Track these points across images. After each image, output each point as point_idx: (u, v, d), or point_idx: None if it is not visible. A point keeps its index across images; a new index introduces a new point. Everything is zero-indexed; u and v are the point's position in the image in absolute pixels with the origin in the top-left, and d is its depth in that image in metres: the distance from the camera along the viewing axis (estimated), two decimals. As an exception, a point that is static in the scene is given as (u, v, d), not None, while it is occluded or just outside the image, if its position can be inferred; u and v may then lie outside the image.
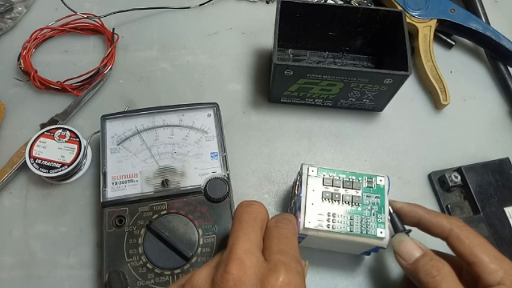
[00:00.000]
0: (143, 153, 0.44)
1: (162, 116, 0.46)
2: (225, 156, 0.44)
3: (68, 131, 0.45)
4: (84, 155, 0.46)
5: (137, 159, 0.43)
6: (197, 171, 0.43)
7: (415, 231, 0.38)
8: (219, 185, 0.42)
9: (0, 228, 0.44)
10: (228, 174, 0.43)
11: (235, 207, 0.42)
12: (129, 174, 0.43)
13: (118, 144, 0.44)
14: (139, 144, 0.44)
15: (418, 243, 0.36)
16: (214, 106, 0.46)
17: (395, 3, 0.54)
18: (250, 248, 0.29)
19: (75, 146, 0.45)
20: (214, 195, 0.42)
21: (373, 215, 0.37)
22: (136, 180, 0.42)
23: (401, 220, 0.38)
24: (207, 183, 0.42)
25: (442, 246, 0.37)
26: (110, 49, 0.52)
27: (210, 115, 0.46)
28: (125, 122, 0.45)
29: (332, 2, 0.57)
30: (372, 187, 0.38)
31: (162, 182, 0.42)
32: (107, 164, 0.43)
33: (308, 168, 0.38)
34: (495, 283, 0.32)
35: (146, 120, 0.45)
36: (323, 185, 0.38)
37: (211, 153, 0.44)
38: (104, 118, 0.45)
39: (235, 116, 0.51)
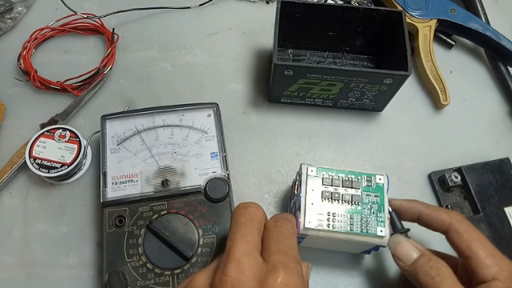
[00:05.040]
0: (143, 153, 0.44)
1: (162, 116, 0.46)
2: (225, 156, 0.44)
3: (68, 131, 0.45)
4: (84, 155, 0.46)
5: (137, 159, 0.43)
6: (197, 171, 0.43)
7: (414, 228, 0.38)
8: (219, 185, 0.42)
9: (0, 228, 0.44)
10: (228, 174, 0.43)
11: (234, 208, 0.42)
12: (129, 174, 0.43)
13: (118, 144, 0.44)
14: (139, 144, 0.44)
15: (415, 244, 0.35)
16: (214, 106, 0.46)
17: (395, 3, 0.54)
18: (248, 250, 0.29)
19: (75, 146, 0.45)
20: (214, 195, 0.42)
21: (373, 213, 0.37)
22: (136, 180, 0.42)
23: (400, 219, 0.38)
24: (207, 183, 0.42)
25: (440, 245, 0.38)
26: (110, 49, 0.52)
27: (210, 115, 0.46)
28: (125, 122, 0.45)
29: (332, 2, 0.57)
30: (371, 186, 0.38)
31: (162, 182, 0.42)
32: (107, 164, 0.43)
33: (307, 168, 0.38)
34: (489, 278, 0.32)
35: (146, 120, 0.45)
36: (322, 184, 0.38)
37: (211, 153, 0.44)
38: (104, 118, 0.45)
39: (235, 116, 0.51)
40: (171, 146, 0.44)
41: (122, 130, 0.45)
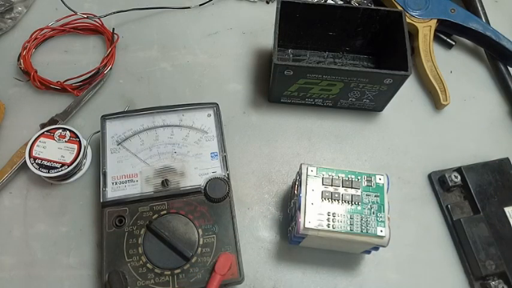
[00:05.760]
0: (143, 153, 0.44)
1: (162, 116, 0.46)
2: (225, 156, 0.44)
3: (68, 131, 0.45)
4: (84, 155, 0.46)
5: (137, 159, 0.43)
6: (197, 171, 0.43)
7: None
8: (219, 185, 0.42)
9: (0, 228, 0.44)
10: (228, 174, 0.43)
11: (235, 208, 0.42)
12: (129, 174, 0.43)
13: (118, 144, 0.44)
14: (139, 144, 0.44)
15: None
16: (214, 106, 0.46)
17: (395, 3, 0.54)
18: None
19: (75, 146, 0.45)
20: (214, 195, 0.42)
21: (373, 213, 0.37)
22: (136, 180, 0.42)
23: None
24: (207, 183, 0.42)
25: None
26: (110, 49, 0.52)
27: (210, 115, 0.46)
28: (125, 122, 0.45)
29: (332, 2, 0.57)
30: (371, 186, 0.38)
31: (162, 182, 0.42)
32: (107, 164, 0.43)
33: (307, 168, 0.38)
34: None
35: (146, 120, 0.45)
36: (322, 184, 0.38)
37: (211, 153, 0.44)
38: (104, 118, 0.45)
39: (235, 116, 0.50)
40: (171, 146, 0.44)
41: (122, 130, 0.45)
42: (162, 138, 0.45)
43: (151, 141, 0.44)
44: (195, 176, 0.43)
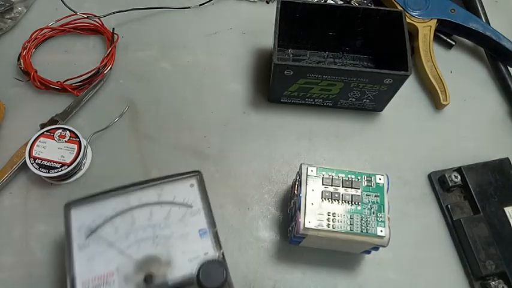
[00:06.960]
0: (118, 242, 0.36)
1: (137, 194, 0.37)
2: (216, 231, 0.37)
3: (68, 131, 0.45)
4: (84, 155, 0.46)
5: (111, 252, 0.35)
6: (186, 256, 0.35)
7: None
8: (214, 269, 0.35)
9: (0, 228, 0.44)
10: (222, 253, 0.36)
11: (235, 208, 0.40)
12: (103, 274, 0.34)
13: (87, 237, 0.36)
14: (113, 232, 0.36)
15: None
16: (197, 174, 0.39)
17: (395, 3, 0.54)
18: None
19: (75, 146, 0.45)
20: (211, 284, 0.34)
21: (373, 213, 0.37)
22: (113, 281, 0.34)
23: None
24: (199, 269, 0.34)
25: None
26: (110, 49, 0.52)
27: (193, 185, 0.38)
28: (94, 207, 0.37)
29: (332, 2, 0.57)
30: (371, 186, 0.38)
31: (145, 277, 0.34)
32: (74, 266, 0.35)
33: (307, 168, 0.38)
34: None
35: (119, 201, 0.37)
36: (322, 184, 0.38)
37: (199, 231, 0.37)
38: (69, 207, 0.37)
39: (235, 116, 0.51)
40: (151, 228, 0.36)
41: (91, 218, 0.36)
42: (139, 221, 0.36)
43: (127, 227, 0.36)
44: (184, 263, 0.35)
